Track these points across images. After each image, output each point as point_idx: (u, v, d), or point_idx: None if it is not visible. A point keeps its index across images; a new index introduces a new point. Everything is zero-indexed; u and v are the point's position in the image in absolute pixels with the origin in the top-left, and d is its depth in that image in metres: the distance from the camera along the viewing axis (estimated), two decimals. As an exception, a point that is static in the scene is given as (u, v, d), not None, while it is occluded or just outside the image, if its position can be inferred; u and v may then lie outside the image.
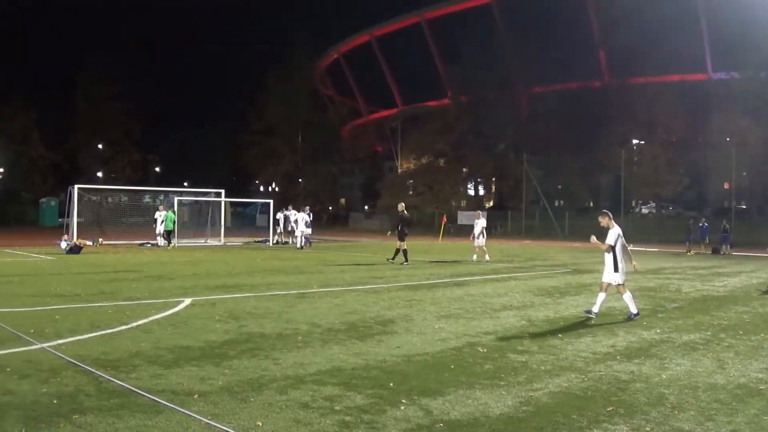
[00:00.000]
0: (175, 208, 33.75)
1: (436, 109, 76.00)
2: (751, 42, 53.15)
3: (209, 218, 37.84)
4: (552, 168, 67.35)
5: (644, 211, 70.55)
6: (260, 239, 38.82)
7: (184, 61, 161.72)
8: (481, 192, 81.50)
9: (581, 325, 11.53)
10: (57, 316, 11.05)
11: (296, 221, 34.11)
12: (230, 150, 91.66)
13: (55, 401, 6.28)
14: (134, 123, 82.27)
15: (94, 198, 37.45)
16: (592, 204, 70.41)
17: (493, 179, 77.56)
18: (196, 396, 6.58)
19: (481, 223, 27.53)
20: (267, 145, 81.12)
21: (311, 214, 35.42)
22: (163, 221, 31.98)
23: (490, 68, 66.73)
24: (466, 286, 17.42)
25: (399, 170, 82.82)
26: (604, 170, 64.46)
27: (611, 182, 62.74)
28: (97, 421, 5.75)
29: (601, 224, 12.67)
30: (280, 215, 38.09)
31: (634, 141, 63.82)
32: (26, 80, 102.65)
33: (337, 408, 6.31)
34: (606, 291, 12.44)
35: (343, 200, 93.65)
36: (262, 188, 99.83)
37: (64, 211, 36.48)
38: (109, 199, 40.15)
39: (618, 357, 8.95)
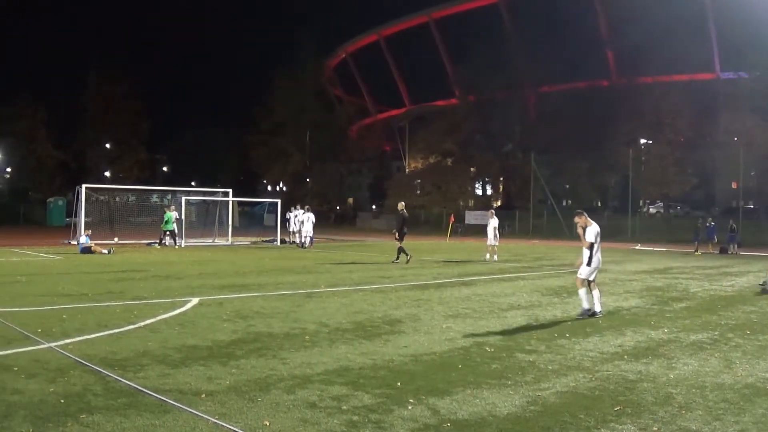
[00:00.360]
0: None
1: (444, 108, 75.81)
2: (760, 42, 52.91)
3: (217, 218, 37.86)
4: (560, 167, 67.09)
5: (652, 210, 70.33)
6: (268, 239, 38.82)
7: (191, 60, 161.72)
8: (489, 192, 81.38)
9: (589, 324, 11.50)
10: (64, 316, 11.08)
11: (302, 222, 34.09)
12: (238, 149, 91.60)
13: (62, 401, 6.30)
14: (142, 122, 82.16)
15: (102, 198, 37.53)
16: (599, 204, 70.20)
17: (501, 179, 77.40)
18: (203, 395, 6.59)
19: (493, 223, 27.73)
20: (275, 145, 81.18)
21: (301, 212, 35.30)
22: (175, 221, 32.07)
23: (497, 68, 66.51)
24: (474, 286, 17.41)
25: (407, 170, 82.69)
26: (611, 170, 64.27)
27: (619, 182, 62.48)
28: (105, 420, 5.76)
29: (578, 224, 12.61)
30: (290, 215, 38.02)
31: (642, 140, 63.54)
32: (33, 79, 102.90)
33: (344, 407, 6.32)
34: (590, 288, 12.37)
35: (350, 200, 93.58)
36: (269, 188, 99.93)
37: (71, 211, 36.57)
38: (117, 199, 40.21)
39: (625, 357, 8.94)
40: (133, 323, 10.50)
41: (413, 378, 7.52)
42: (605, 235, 12.66)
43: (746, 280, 20.64)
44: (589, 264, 12.34)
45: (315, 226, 34.48)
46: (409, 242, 25.86)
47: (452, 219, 48.21)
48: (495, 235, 27.66)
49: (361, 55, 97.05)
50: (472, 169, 75.02)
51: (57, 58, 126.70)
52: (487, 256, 27.40)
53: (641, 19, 59.92)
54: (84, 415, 5.87)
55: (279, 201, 41.49)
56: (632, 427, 5.94)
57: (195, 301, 13.18)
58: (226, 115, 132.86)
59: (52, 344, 8.79)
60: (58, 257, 24.44)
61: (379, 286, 16.78)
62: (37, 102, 73.30)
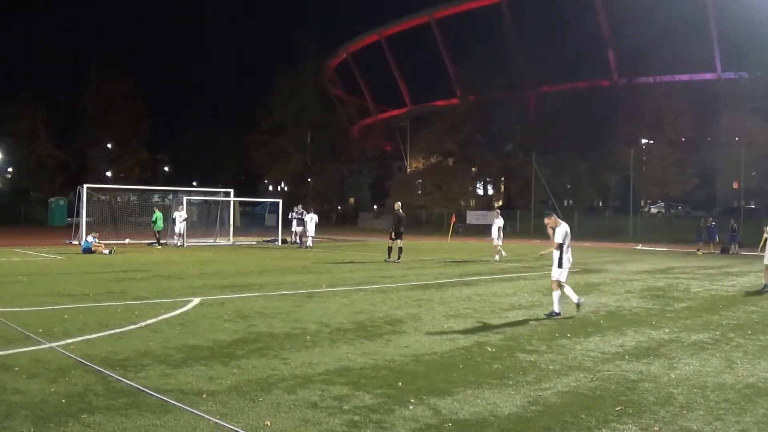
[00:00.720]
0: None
1: (445, 108, 75.79)
2: (761, 42, 52.90)
3: (218, 218, 37.86)
4: (560, 167, 67.09)
5: (653, 210, 70.29)
6: (269, 239, 38.83)
7: (191, 60, 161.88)
8: (490, 191, 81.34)
9: (590, 324, 11.50)
10: (65, 316, 11.09)
11: (305, 222, 34.06)
12: (238, 149, 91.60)
13: (63, 401, 6.30)
14: (142, 122, 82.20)
15: (104, 197, 37.53)
16: (600, 204, 70.11)
17: (502, 179, 77.37)
18: (204, 395, 6.59)
19: (498, 223, 27.77)
20: (276, 145, 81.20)
21: (303, 213, 35.25)
22: (183, 220, 32.09)
23: (498, 68, 66.47)
24: (475, 286, 17.41)
25: (408, 170, 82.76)
26: (612, 170, 64.20)
27: (620, 182, 62.41)
28: (106, 420, 5.76)
29: (548, 225, 12.53)
30: (292, 214, 37.94)
31: (643, 140, 63.50)
32: (34, 79, 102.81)
33: (345, 407, 6.32)
34: (559, 288, 12.26)
35: (352, 200, 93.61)
36: (271, 188, 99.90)
37: (72, 211, 36.55)
38: (118, 199, 40.22)
39: (627, 357, 8.93)
40: (135, 323, 10.50)
41: (414, 378, 7.52)
42: (606, 235, 12.69)
43: (747, 280, 20.67)
44: (560, 266, 12.21)
45: (316, 226, 34.52)
46: (410, 242, 25.92)
47: (453, 219, 48.22)
48: (499, 235, 27.68)
49: (361, 55, 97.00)
50: (473, 169, 75.02)
51: (57, 58, 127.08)
52: (497, 256, 27.40)
53: (642, 19, 59.87)
54: (85, 415, 5.87)
55: (280, 201, 41.49)
56: (633, 427, 5.94)
57: (196, 301, 13.18)
58: (227, 115, 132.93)
59: (54, 344, 8.80)
60: (59, 257, 24.46)
61: (380, 286, 16.78)
62: (38, 102, 73.46)
